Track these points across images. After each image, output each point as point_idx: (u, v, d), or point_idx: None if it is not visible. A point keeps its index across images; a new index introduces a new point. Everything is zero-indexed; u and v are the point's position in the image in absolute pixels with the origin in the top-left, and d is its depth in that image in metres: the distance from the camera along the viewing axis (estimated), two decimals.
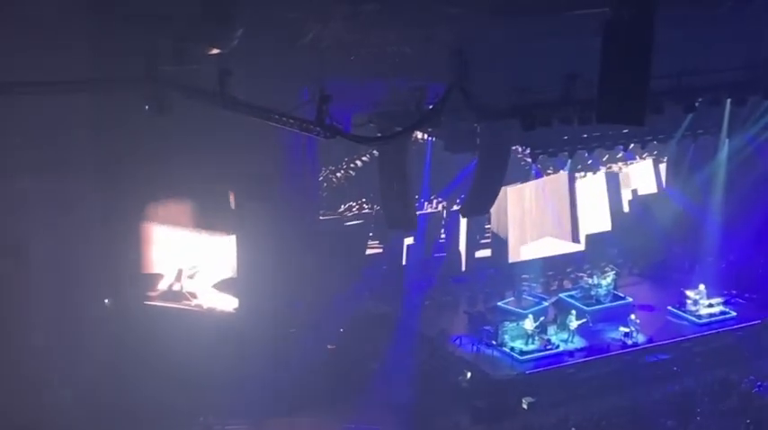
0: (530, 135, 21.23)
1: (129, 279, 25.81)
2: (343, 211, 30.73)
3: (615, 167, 35.24)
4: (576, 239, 34.52)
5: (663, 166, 36.01)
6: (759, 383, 25.99)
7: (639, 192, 35.95)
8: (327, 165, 29.74)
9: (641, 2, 12.80)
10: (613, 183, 35.41)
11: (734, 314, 30.49)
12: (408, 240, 31.66)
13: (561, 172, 33.77)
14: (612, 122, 14.36)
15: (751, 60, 22.21)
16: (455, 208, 32.20)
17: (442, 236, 32.79)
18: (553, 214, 34.07)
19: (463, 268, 33.24)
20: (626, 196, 35.82)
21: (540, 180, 33.49)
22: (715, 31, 22.62)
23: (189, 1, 17.74)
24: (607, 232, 35.24)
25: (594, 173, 34.82)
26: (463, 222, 32.66)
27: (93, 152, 23.54)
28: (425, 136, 27.61)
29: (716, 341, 29.29)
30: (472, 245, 33.33)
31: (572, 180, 34.23)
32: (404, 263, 31.77)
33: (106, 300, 25.07)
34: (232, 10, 17.58)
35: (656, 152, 34.96)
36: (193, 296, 26.80)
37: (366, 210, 31.04)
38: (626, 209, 35.82)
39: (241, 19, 17.80)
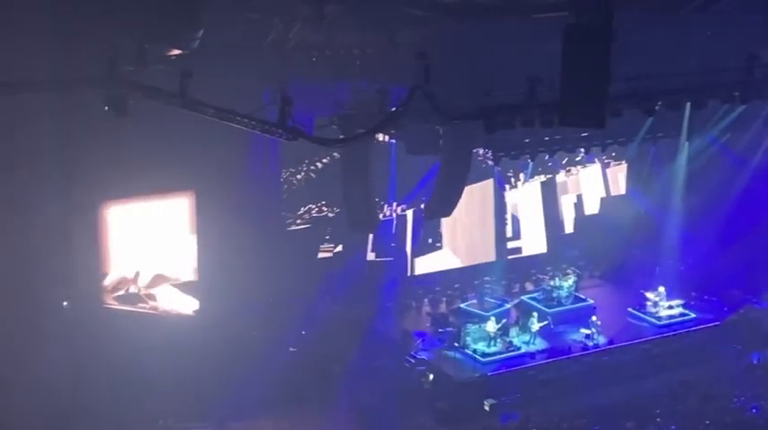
0: (492, 137, 21.31)
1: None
2: (302, 214, 30.65)
3: (573, 170, 35.42)
4: (501, 248, 34.20)
5: (609, 171, 36.21)
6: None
7: (585, 198, 36.12)
8: (287, 166, 29.64)
9: (601, 6, 12.89)
10: (552, 190, 35.48)
11: (693, 316, 30.80)
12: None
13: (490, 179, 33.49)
14: (574, 125, 14.47)
15: (710, 64, 22.41)
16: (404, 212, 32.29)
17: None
18: (480, 223, 33.85)
19: (408, 273, 32.99)
20: (570, 201, 35.95)
21: (470, 187, 32.73)
22: (674, 36, 22.82)
23: (150, 1, 17.62)
24: (569, 235, 35.50)
25: (543, 177, 34.94)
26: (410, 226, 32.57)
27: (52, 152, 23.25)
28: (386, 137, 27.56)
29: (675, 342, 29.56)
30: (420, 249, 33.10)
31: (501, 187, 34.18)
32: (365, 265, 31.72)
33: (65, 303, 24.78)
34: (193, 11, 17.46)
35: (613, 153, 35.05)
36: (151, 298, 26.57)
37: (325, 213, 30.99)
38: (571, 214, 36.00)
39: (202, 20, 17.68)
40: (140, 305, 26.37)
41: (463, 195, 30.46)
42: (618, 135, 27.83)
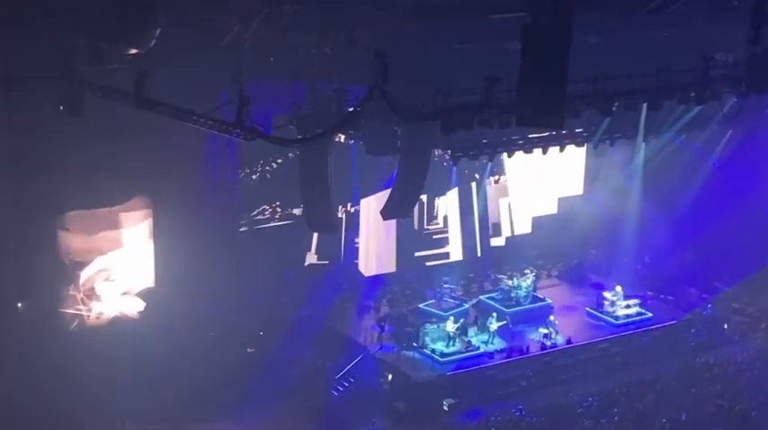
0: (450, 138, 21.31)
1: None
2: (255, 214, 30.51)
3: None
4: (401, 259, 33.07)
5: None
6: None
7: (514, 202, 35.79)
8: (243, 167, 29.46)
9: (559, 7, 12.91)
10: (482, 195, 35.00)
11: (650, 315, 31.01)
12: None
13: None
14: (532, 125, 14.48)
15: (666, 65, 22.58)
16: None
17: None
18: (385, 232, 32.77)
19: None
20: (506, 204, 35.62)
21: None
22: (631, 37, 22.97)
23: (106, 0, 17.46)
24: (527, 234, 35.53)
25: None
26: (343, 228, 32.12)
27: (6, 153, 23.01)
28: (342, 138, 27.42)
29: (633, 341, 29.76)
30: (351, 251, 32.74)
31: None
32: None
33: (19, 304, 24.51)
34: (150, 9, 17.30)
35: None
36: (96, 299, 26.21)
37: (279, 213, 30.89)
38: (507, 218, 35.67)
39: (159, 19, 17.53)
40: (75, 307, 25.99)
41: (371, 204, 30.16)
42: (575, 135, 27.99)
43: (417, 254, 33.59)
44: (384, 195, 29.79)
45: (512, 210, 35.66)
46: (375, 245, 32.23)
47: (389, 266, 32.87)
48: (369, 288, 32.04)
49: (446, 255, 34.35)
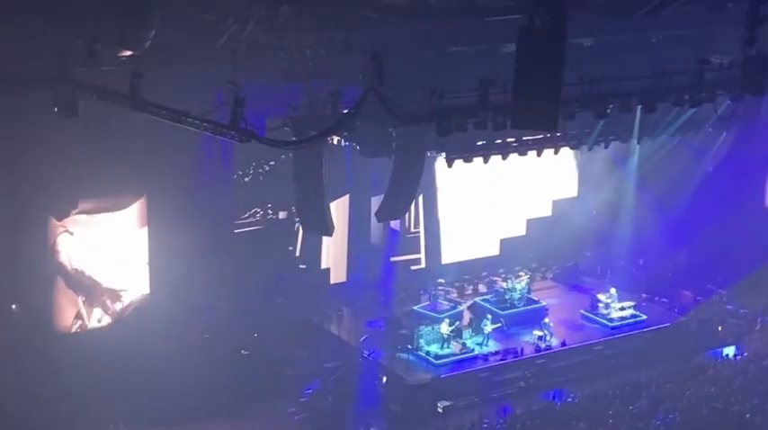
0: (445, 140, 21.33)
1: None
2: (247, 217, 30.48)
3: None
4: (351, 268, 32.32)
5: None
6: None
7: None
8: (236, 169, 29.41)
9: (554, 10, 12.93)
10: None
11: (644, 317, 31.00)
12: None
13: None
14: (526, 128, 14.54)
15: (661, 68, 22.64)
16: None
17: None
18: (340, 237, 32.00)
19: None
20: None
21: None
22: (626, 39, 23.04)
23: (101, 1, 17.45)
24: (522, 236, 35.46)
25: None
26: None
27: (3, 155, 22.99)
28: (335, 140, 27.39)
29: (627, 344, 29.78)
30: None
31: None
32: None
33: (13, 306, 24.46)
34: (145, 11, 17.31)
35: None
36: (94, 302, 26.13)
37: (270, 216, 30.84)
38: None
39: (154, 20, 17.53)
40: (77, 311, 25.92)
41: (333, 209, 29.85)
42: (570, 137, 28.03)
43: (393, 259, 33.05)
44: (343, 201, 30.63)
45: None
46: (333, 252, 32.21)
47: (342, 275, 32.41)
48: (363, 290, 32.01)
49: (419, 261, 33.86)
